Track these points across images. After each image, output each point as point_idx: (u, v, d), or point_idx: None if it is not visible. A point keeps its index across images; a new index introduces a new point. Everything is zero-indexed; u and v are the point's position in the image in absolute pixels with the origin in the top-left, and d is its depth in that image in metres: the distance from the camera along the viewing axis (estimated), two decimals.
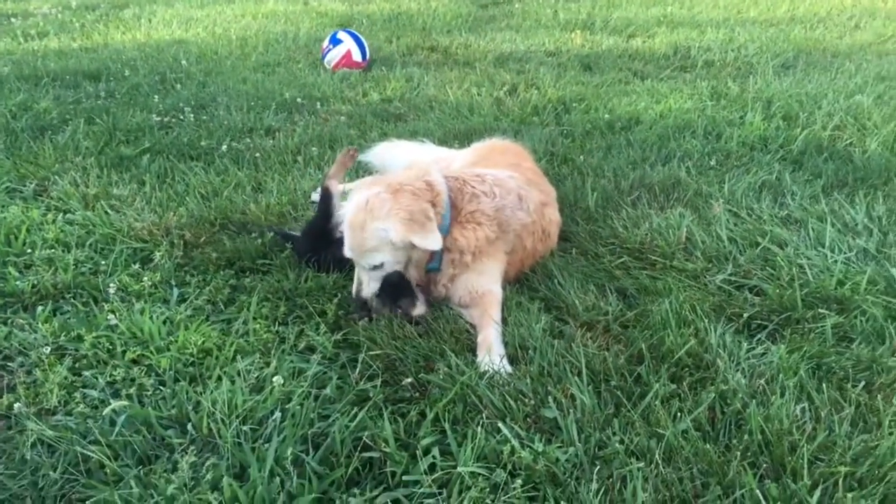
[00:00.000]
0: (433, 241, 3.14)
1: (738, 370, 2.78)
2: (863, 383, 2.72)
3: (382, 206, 3.16)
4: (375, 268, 3.24)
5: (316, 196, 4.49)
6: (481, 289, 3.39)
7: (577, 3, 12.24)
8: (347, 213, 3.25)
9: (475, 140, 5.06)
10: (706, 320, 3.08)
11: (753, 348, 2.95)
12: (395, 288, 3.25)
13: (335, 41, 8.04)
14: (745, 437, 2.43)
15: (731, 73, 7.66)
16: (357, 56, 8.01)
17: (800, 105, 6.14)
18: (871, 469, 2.29)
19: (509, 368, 2.90)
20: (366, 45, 8.14)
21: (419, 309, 3.24)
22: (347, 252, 3.27)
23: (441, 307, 3.41)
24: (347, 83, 7.45)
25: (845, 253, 3.64)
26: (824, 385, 2.69)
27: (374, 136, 5.75)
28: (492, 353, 2.97)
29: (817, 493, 2.20)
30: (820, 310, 3.17)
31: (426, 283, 3.46)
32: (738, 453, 2.36)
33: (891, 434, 2.44)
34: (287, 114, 6.42)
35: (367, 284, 3.29)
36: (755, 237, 3.82)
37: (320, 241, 3.63)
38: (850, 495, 2.19)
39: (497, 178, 3.60)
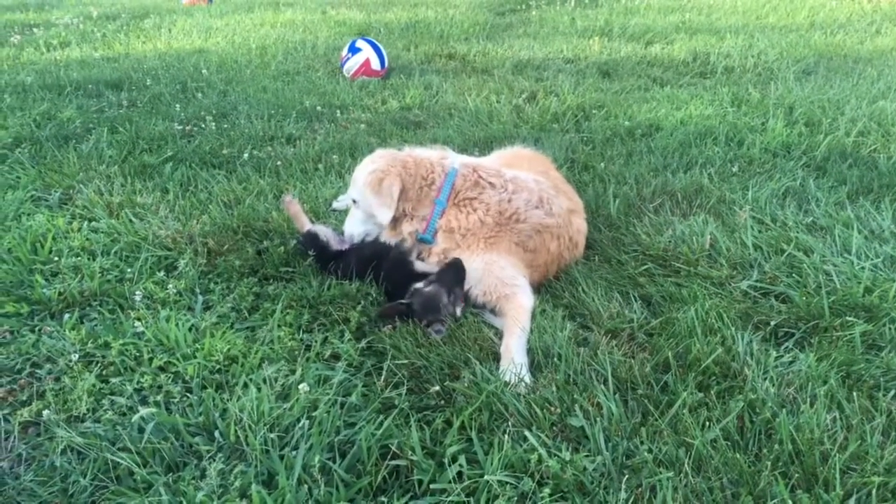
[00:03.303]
0: (381, 214, 3.65)
1: (766, 379, 2.75)
2: (893, 392, 2.69)
3: (373, 163, 3.74)
4: (354, 200, 3.79)
5: (338, 204, 4.53)
6: (491, 276, 3.46)
7: (595, 10, 12.24)
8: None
9: (495, 147, 5.08)
10: (732, 328, 3.06)
11: (781, 356, 2.93)
12: (428, 308, 3.26)
13: (354, 50, 8.08)
14: (776, 446, 2.41)
15: (752, 80, 7.62)
16: (376, 64, 8.05)
17: (822, 111, 6.09)
18: None
19: (528, 380, 2.88)
20: (384, 53, 8.18)
21: (439, 331, 3.24)
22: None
23: (465, 314, 3.40)
24: (367, 91, 7.49)
25: (872, 260, 3.60)
26: (854, 394, 2.65)
27: (394, 143, 5.77)
28: (513, 363, 2.96)
29: (850, 503, 2.17)
30: (848, 317, 3.14)
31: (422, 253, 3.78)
32: (769, 463, 2.34)
33: None
34: (307, 122, 6.45)
35: (348, 219, 3.88)
36: (780, 244, 3.79)
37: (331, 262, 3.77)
38: None
39: (518, 178, 3.71)
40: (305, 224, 3.98)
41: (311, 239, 3.83)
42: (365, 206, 3.73)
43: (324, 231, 3.86)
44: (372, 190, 3.63)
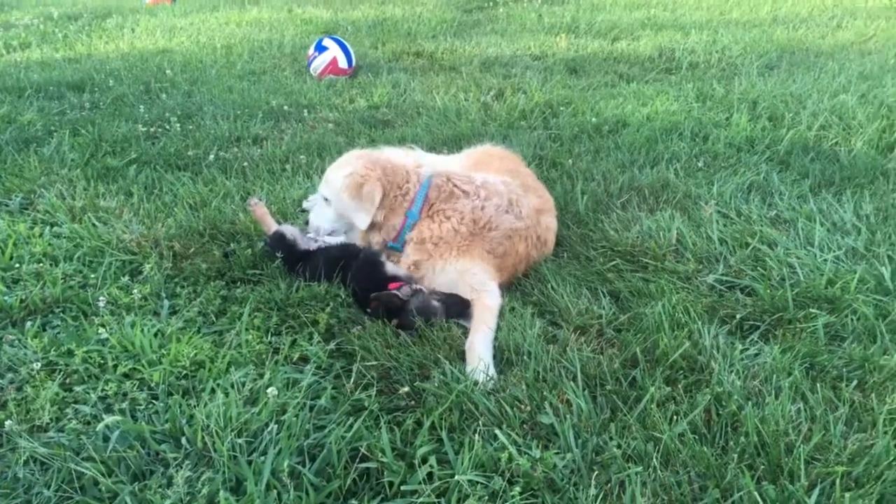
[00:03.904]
0: (359, 219, 3.61)
1: (732, 372, 2.79)
2: (856, 382, 2.74)
3: (349, 164, 3.66)
4: (325, 199, 3.75)
5: (308, 204, 4.50)
6: (463, 283, 3.46)
7: (562, 6, 12.30)
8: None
9: (464, 145, 5.09)
10: (699, 322, 3.09)
11: (747, 349, 2.96)
12: (421, 315, 3.24)
13: (321, 48, 8.03)
14: (742, 438, 2.44)
15: (716, 75, 7.71)
16: (343, 63, 8.00)
17: (785, 105, 6.19)
18: (867, 468, 2.30)
19: (493, 374, 2.89)
20: (351, 51, 8.14)
21: (410, 334, 3.23)
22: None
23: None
24: (334, 90, 7.44)
25: (834, 252, 3.66)
26: (818, 385, 2.70)
27: (363, 142, 5.74)
28: (480, 360, 2.96)
29: (815, 493, 2.21)
30: (811, 309, 3.19)
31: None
32: (735, 455, 2.37)
33: (886, 433, 2.45)
34: (274, 122, 6.40)
35: (316, 210, 3.88)
36: (745, 238, 3.84)
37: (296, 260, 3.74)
38: (847, 495, 2.19)
39: (487, 182, 3.68)
40: (272, 226, 3.93)
41: (278, 240, 3.78)
42: (339, 207, 3.68)
43: (290, 231, 3.82)
44: (350, 194, 3.57)
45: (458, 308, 3.35)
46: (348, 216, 3.67)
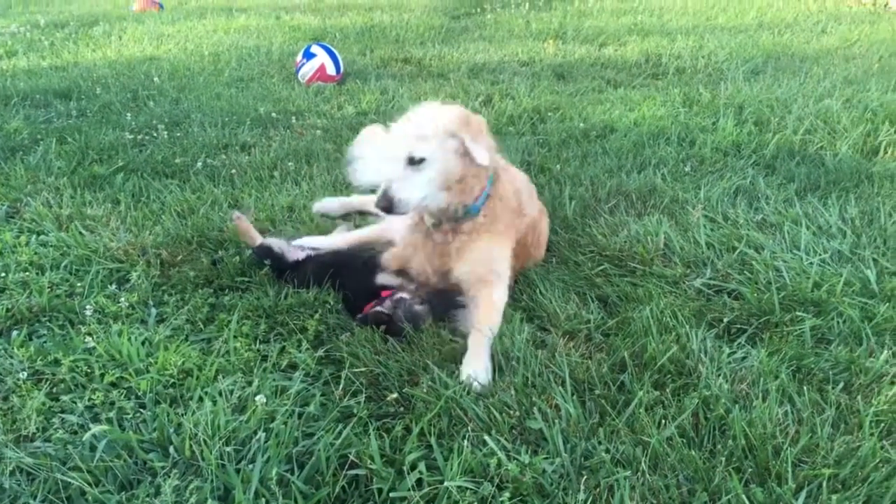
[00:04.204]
0: (481, 155, 3.09)
1: (719, 375, 2.80)
2: (842, 384, 2.76)
3: (451, 111, 3.18)
4: (414, 162, 3.05)
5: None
6: (486, 265, 3.34)
7: (549, 12, 12.36)
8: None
9: None
10: (687, 326, 3.10)
11: (734, 353, 2.98)
12: (410, 323, 3.23)
13: (309, 55, 8.03)
14: (730, 442, 2.44)
15: (703, 80, 7.76)
16: (331, 69, 8.00)
17: (771, 110, 6.24)
18: (853, 470, 2.32)
19: (483, 380, 2.85)
20: (339, 58, 8.14)
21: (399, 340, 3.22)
22: (381, 153, 3.14)
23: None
24: (322, 97, 7.44)
25: (820, 255, 3.68)
26: (805, 387, 2.72)
27: None
28: (477, 365, 2.93)
29: (802, 495, 2.22)
30: (798, 312, 3.21)
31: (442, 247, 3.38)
32: (723, 458, 2.37)
33: (872, 435, 2.47)
34: (262, 129, 6.39)
35: (401, 181, 3.05)
36: (732, 242, 3.86)
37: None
38: (834, 497, 2.21)
39: (510, 169, 3.67)
40: (256, 238, 3.89)
41: (265, 252, 3.77)
42: (444, 159, 3.10)
43: (277, 243, 3.80)
44: (465, 126, 3.10)
45: (444, 305, 3.34)
46: (472, 153, 3.11)
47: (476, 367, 2.91)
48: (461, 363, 2.98)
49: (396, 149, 3.08)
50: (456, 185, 3.18)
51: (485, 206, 3.33)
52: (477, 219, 3.32)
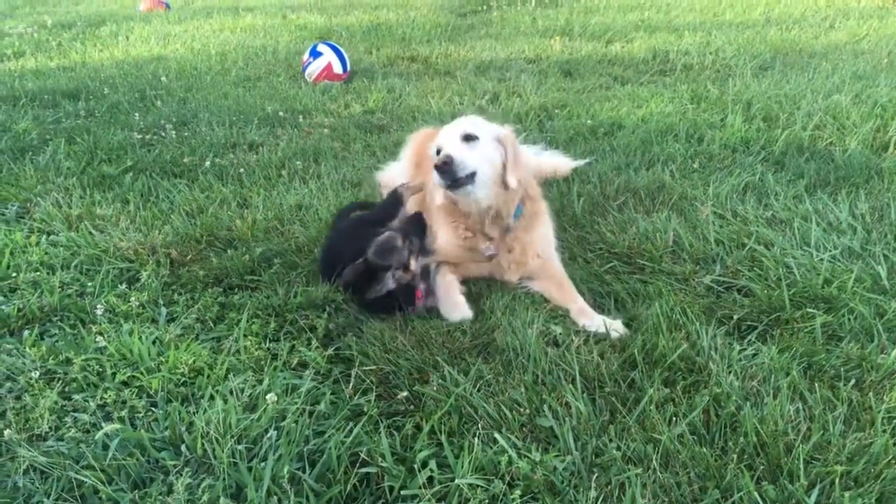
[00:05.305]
0: (512, 181, 3.49)
1: (730, 372, 2.79)
2: (853, 381, 2.74)
3: (504, 127, 3.72)
4: (468, 139, 3.49)
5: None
6: (549, 249, 3.74)
7: (555, 9, 12.33)
8: None
9: None
10: (697, 323, 3.10)
11: (745, 350, 2.97)
12: (383, 253, 3.26)
13: (315, 54, 8.04)
14: (741, 439, 2.44)
15: (710, 76, 7.74)
16: (338, 68, 8.02)
17: (779, 106, 6.21)
18: (866, 467, 2.31)
19: (621, 329, 3.16)
20: (346, 56, 8.15)
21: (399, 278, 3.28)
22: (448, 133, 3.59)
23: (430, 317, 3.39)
24: (329, 95, 7.45)
25: (831, 251, 3.67)
26: (816, 384, 2.71)
27: (358, 147, 5.76)
28: (594, 318, 3.24)
29: (815, 493, 2.21)
30: (808, 309, 3.20)
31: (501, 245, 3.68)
32: (735, 456, 2.37)
33: (884, 432, 2.46)
34: (270, 128, 6.40)
35: (461, 149, 3.44)
36: (741, 238, 3.85)
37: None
38: (846, 494, 2.20)
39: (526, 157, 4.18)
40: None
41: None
42: (492, 148, 3.54)
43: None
44: (511, 144, 3.62)
45: (411, 224, 3.46)
46: (519, 161, 3.63)
47: (596, 321, 3.22)
48: (575, 318, 3.32)
49: (454, 130, 3.56)
50: (501, 192, 3.54)
51: (523, 206, 3.68)
52: (520, 221, 3.66)
